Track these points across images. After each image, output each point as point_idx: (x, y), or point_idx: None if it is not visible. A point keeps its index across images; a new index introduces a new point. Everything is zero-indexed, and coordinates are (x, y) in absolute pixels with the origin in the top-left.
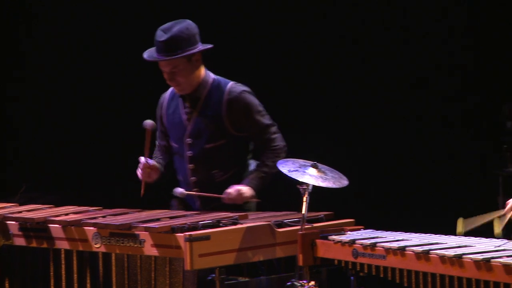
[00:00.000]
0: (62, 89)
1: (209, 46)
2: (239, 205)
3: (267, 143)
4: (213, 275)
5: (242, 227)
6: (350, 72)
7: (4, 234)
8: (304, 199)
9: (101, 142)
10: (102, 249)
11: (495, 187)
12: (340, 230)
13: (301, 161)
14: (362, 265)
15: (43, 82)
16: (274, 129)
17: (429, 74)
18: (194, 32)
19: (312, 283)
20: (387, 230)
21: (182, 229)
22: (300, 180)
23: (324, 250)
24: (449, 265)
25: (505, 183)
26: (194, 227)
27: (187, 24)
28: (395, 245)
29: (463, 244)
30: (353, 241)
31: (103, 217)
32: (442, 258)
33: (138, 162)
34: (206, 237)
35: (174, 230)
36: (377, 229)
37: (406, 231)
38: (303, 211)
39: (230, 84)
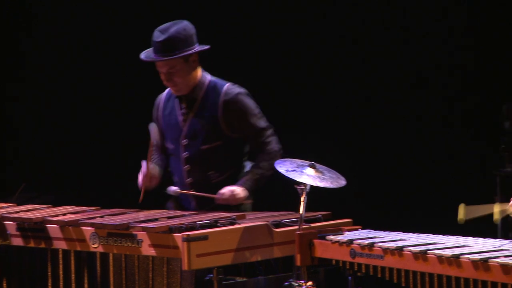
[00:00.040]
0: (62, 89)
1: (206, 47)
2: (235, 206)
3: (262, 146)
4: (211, 275)
5: (240, 227)
6: (350, 72)
7: (1, 234)
8: (302, 199)
9: (101, 142)
10: (100, 249)
11: (494, 187)
12: (338, 230)
13: (299, 161)
14: (360, 265)
15: (43, 82)
16: (269, 132)
17: (429, 74)
18: (191, 32)
19: (310, 283)
20: (385, 230)
21: (180, 229)
22: (298, 180)
23: (322, 250)
24: (447, 265)
25: (502, 183)
26: (192, 227)
27: (185, 25)
28: (393, 245)
29: (461, 244)
30: (351, 241)
31: (101, 217)
32: (440, 258)
33: (140, 165)
34: (204, 237)
35: (172, 230)
36: (375, 229)
37: (404, 231)
38: (301, 211)
39: (227, 85)
